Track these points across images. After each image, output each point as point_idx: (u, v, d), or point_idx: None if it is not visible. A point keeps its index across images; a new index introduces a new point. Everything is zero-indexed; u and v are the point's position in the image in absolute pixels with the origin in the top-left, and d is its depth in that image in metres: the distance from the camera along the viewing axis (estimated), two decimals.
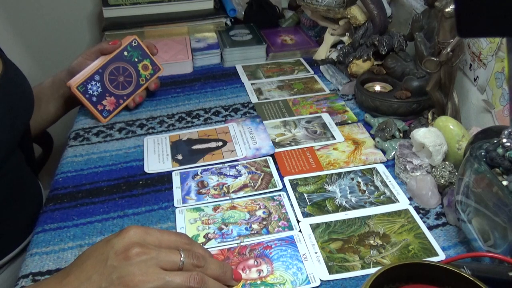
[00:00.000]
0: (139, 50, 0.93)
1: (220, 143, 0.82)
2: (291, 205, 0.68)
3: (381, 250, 0.59)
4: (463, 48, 0.74)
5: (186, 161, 0.78)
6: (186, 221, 0.65)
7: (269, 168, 0.75)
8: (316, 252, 0.59)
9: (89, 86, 0.87)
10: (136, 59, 0.92)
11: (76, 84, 0.86)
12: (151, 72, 0.94)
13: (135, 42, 0.92)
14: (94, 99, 0.88)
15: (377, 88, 0.92)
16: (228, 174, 0.74)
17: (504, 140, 0.52)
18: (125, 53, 0.91)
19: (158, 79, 0.96)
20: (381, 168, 0.74)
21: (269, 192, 0.70)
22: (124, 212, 0.68)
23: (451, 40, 0.69)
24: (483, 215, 0.52)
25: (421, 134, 0.68)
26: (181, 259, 0.50)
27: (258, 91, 0.99)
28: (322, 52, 1.10)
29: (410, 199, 0.68)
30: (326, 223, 0.64)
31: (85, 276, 0.48)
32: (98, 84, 0.88)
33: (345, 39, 1.09)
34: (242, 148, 0.80)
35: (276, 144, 0.81)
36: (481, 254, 0.52)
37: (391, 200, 0.68)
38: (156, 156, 0.79)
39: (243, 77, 1.05)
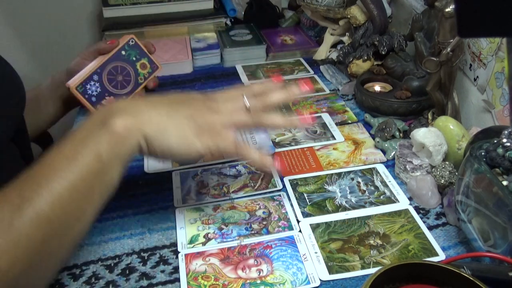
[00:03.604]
0: (136, 49, 0.92)
1: None
2: (291, 205, 0.68)
3: (381, 250, 0.59)
4: (463, 48, 0.74)
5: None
6: (186, 221, 0.65)
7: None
8: (316, 252, 0.59)
9: (88, 87, 0.87)
10: (134, 58, 0.92)
11: (75, 85, 0.86)
12: (149, 70, 0.94)
13: (132, 41, 0.92)
14: (94, 99, 0.88)
15: (377, 88, 0.92)
16: (228, 174, 0.74)
17: (504, 140, 0.52)
18: (123, 52, 0.91)
19: (157, 78, 0.96)
20: (381, 168, 0.74)
21: (269, 192, 0.70)
22: (124, 212, 0.68)
23: (451, 40, 0.69)
24: (483, 215, 0.52)
25: (421, 134, 0.68)
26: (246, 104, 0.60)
27: None
28: (322, 52, 1.10)
29: (410, 199, 0.68)
30: (326, 223, 0.64)
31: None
32: (97, 84, 0.88)
33: (345, 39, 1.09)
34: None
35: (276, 144, 0.81)
36: (481, 254, 0.52)
37: (391, 200, 0.68)
38: None
39: (243, 77, 1.05)
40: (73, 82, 0.86)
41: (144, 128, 0.54)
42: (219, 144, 0.57)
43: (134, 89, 0.92)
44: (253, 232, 0.63)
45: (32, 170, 0.49)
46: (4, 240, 0.44)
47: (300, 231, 0.63)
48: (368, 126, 0.85)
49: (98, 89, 0.88)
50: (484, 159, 0.53)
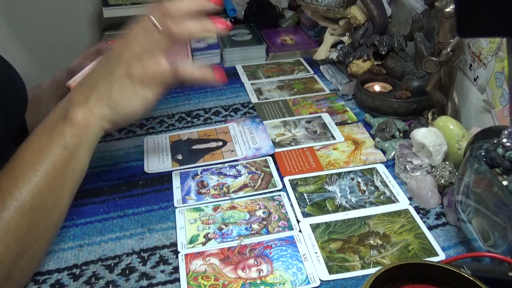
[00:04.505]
0: None
1: (220, 143, 0.82)
2: (291, 205, 0.68)
3: (381, 250, 0.59)
4: (463, 48, 0.74)
5: (186, 161, 0.78)
6: (186, 221, 0.65)
7: (269, 168, 0.75)
8: (316, 252, 0.59)
9: None
10: None
11: (75, 85, 0.86)
12: None
13: None
14: None
15: (377, 88, 0.92)
16: (228, 174, 0.74)
17: (504, 140, 0.52)
18: None
19: None
20: (381, 168, 0.74)
21: (269, 192, 0.70)
22: (124, 212, 0.68)
23: (451, 40, 0.69)
24: (483, 215, 0.52)
25: (421, 134, 0.68)
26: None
27: (258, 91, 0.99)
28: (322, 52, 1.10)
29: (410, 199, 0.68)
30: (326, 223, 0.64)
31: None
32: None
33: (345, 39, 1.09)
34: (242, 148, 0.80)
35: (276, 144, 0.81)
36: (481, 254, 0.52)
37: (391, 200, 0.68)
38: (156, 156, 0.79)
39: (243, 77, 1.05)
40: (74, 81, 0.86)
41: (100, 113, 0.59)
42: (159, 79, 0.60)
43: None
44: (253, 232, 0.63)
45: (5, 169, 0.55)
46: None
47: (300, 231, 0.63)
48: (368, 126, 0.85)
49: None
50: (484, 159, 0.53)
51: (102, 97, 0.59)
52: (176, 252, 0.61)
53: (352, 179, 0.72)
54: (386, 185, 0.70)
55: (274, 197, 0.69)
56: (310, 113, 0.90)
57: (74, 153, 0.57)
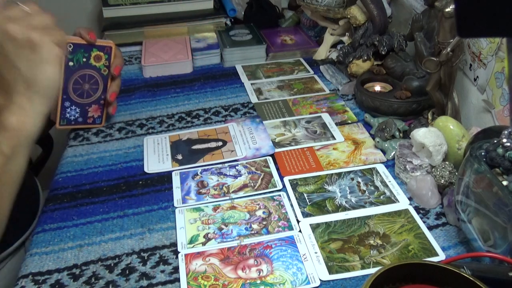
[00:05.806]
0: (79, 48, 0.83)
1: (220, 143, 0.82)
2: (291, 205, 0.68)
3: (381, 250, 0.59)
4: (463, 48, 0.74)
5: (186, 161, 0.78)
6: (186, 221, 0.65)
7: (269, 168, 0.75)
8: (316, 252, 0.59)
9: (68, 115, 0.84)
10: (84, 59, 0.84)
11: (58, 122, 0.84)
12: (106, 57, 0.86)
13: (69, 46, 0.82)
14: (80, 119, 0.85)
15: (377, 88, 0.92)
16: (228, 174, 0.74)
17: (504, 140, 0.52)
18: (71, 63, 0.83)
19: (119, 56, 0.88)
20: (381, 168, 0.74)
21: (269, 192, 0.70)
22: (124, 212, 0.68)
23: (451, 40, 0.69)
24: (483, 215, 0.52)
25: (421, 134, 0.68)
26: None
27: (258, 91, 0.99)
28: (322, 52, 1.10)
29: (410, 199, 0.68)
30: (326, 223, 0.64)
31: None
32: (73, 107, 0.84)
33: (345, 39, 1.09)
34: (242, 148, 0.80)
35: (276, 144, 0.81)
36: (481, 254, 0.52)
37: (391, 200, 0.68)
38: (156, 156, 0.79)
39: (243, 77, 1.05)
40: (56, 120, 0.84)
41: (31, 104, 0.57)
42: (45, 24, 0.58)
43: (105, 84, 0.87)
44: (253, 232, 0.63)
45: None
46: None
47: (300, 231, 0.63)
48: (368, 126, 0.85)
49: (77, 110, 0.85)
50: (484, 159, 0.53)
51: (19, 87, 0.56)
52: (176, 252, 0.61)
53: (352, 179, 0.72)
54: (386, 185, 0.70)
55: (274, 197, 0.69)
56: (310, 113, 0.90)
57: (10, 157, 0.56)
